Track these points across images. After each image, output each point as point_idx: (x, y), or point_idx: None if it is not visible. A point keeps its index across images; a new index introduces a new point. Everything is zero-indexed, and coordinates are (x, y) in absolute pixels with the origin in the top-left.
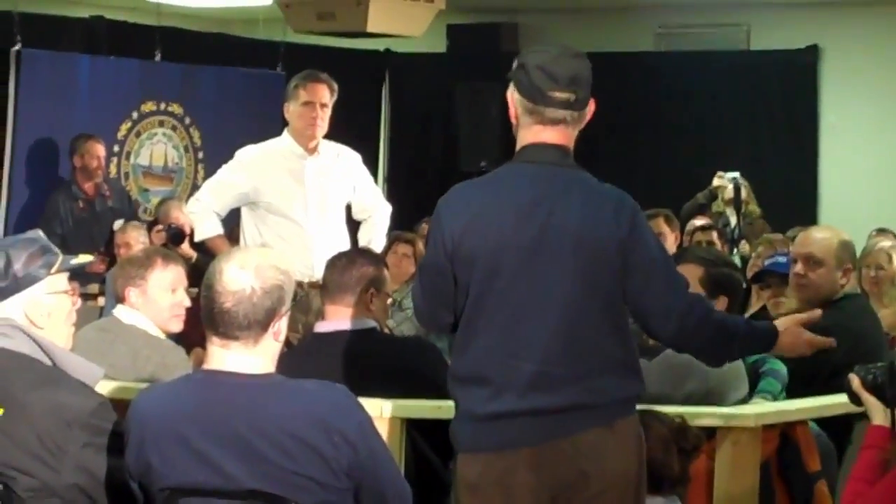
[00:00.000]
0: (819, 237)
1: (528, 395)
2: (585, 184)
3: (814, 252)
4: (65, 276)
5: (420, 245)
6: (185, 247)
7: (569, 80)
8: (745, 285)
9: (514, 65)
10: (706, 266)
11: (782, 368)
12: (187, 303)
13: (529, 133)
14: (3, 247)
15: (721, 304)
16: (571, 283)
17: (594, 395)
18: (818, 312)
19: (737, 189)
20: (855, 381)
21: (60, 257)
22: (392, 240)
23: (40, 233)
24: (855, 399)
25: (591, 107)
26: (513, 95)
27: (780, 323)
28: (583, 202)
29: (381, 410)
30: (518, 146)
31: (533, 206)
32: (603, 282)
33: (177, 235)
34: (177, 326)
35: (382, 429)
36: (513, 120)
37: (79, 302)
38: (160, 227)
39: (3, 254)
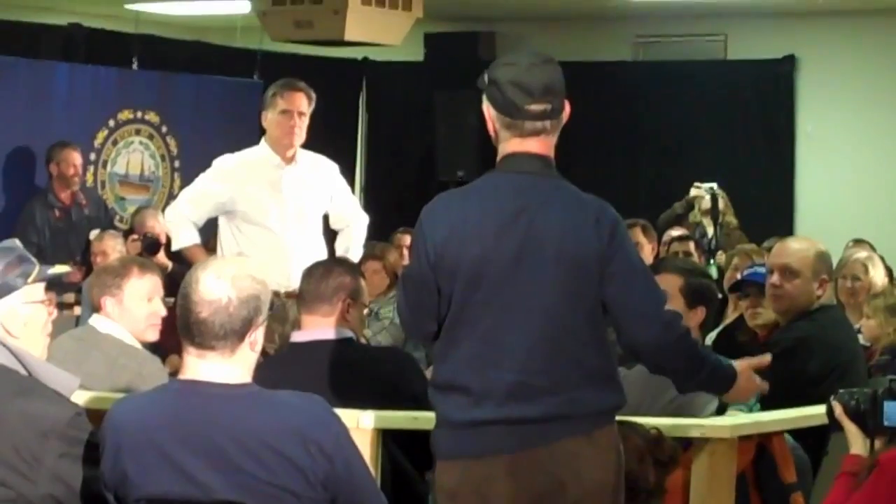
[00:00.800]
0: (795, 248)
1: (508, 405)
2: (566, 194)
3: (790, 263)
4: (41, 286)
5: (391, 257)
6: (161, 256)
7: (543, 90)
8: (721, 296)
9: (486, 78)
10: (685, 276)
11: None
12: (163, 312)
13: (510, 144)
14: None
15: (699, 314)
16: (552, 294)
17: (574, 406)
18: (767, 358)
19: (714, 199)
20: (837, 408)
21: (38, 267)
22: (363, 257)
23: (17, 242)
24: (835, 424)
25: (566, 109)
26: (489, 111)
27: (736, 365)
28: (563, 212)
29: (357, 421)
30: (499, 156)
31: (514, 216)
32: (584, 293)
33: (152, 245)
34: (153, 336)
35: (359, 440)
36: (491, 133)
37: (55, 312)
38: (135, 236)
39: None
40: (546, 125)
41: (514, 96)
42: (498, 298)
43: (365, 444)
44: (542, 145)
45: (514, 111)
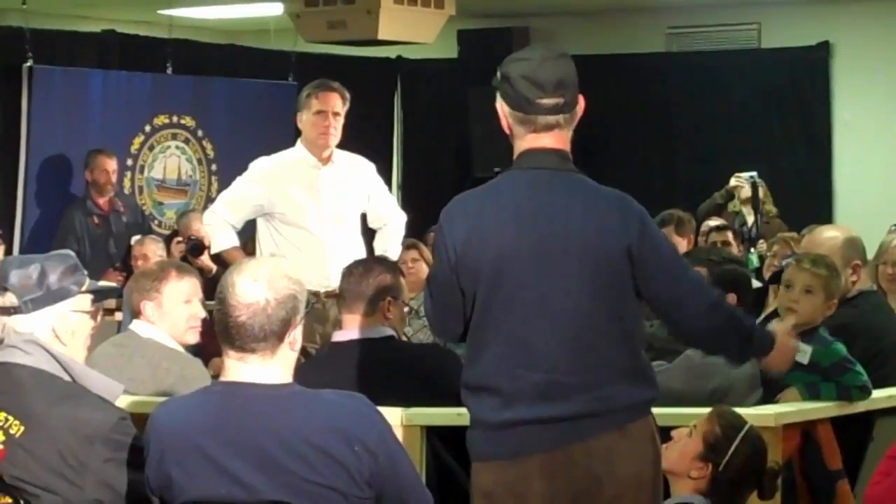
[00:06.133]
0: (822, 239)
1: (539, 404)
2: (586, 188)
3: None
4: (90, 297)
5: (426, 249)
6: (205, 258)
7: (555, 84)
8: (762, 283)
9: (498, 75)
10: (709, 266)
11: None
12: (202, 314)
13: (525, 141)
14: (38, 260)
15: (731, 301)
16: (577, 290)
17: (605, 403)
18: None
19: (754, 188)
20: None
21: (88, 279)
22: (402, 250)
23: (72, 252)
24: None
25: (580, 103)
26: (503, 108)
27: (775, 330)
28: (585, 207)
29: (400, 419)
30: (515, 154)
31: (533, 212)
32: (610, 288)
33: (196, 247)
34: (193, 338)
35: (403, 437)
36: (506, 130)
37: (97, 327)
38: (180, 238)
39: (38, 265)
40: (559, 119)
41: (526, 91)
42: (521, 296)
43: (409, 442)
44: (556, 140)
45: (526, 106)
